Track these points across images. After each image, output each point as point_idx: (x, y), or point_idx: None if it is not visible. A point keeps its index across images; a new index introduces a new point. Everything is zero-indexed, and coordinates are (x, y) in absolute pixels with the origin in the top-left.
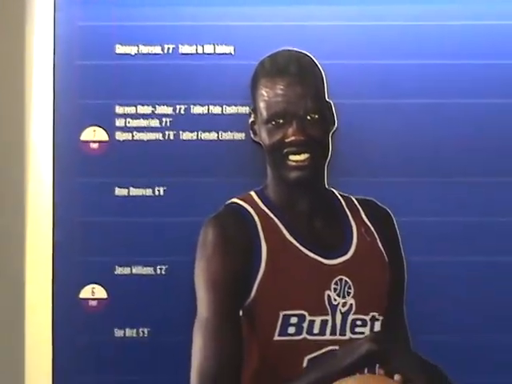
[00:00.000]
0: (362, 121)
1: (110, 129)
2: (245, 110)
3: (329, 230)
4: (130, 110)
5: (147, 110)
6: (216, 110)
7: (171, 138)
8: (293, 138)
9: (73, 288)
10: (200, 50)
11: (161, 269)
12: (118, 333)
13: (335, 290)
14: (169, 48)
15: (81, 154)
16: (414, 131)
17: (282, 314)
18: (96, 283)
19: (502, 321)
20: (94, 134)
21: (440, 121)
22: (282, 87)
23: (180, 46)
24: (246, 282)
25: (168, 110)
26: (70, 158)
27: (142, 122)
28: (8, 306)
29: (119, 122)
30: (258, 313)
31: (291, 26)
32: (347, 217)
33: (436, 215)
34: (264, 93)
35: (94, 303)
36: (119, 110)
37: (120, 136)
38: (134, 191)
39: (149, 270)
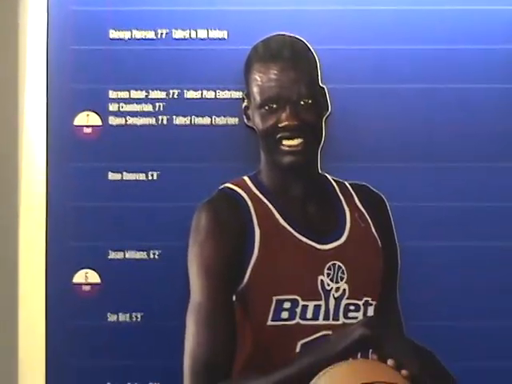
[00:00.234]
0: (355, 106)
1: (104, 113)
2: (238, 94)
3: (322, 215)
4: (124, 94)
5: (140, 94)
6: (209, 94)
7: (164, 122)
8: (286, 122)
9: (66, 273)
10: (193, 35)
11: (154, 253)
12: (112, 317)
13: (328, 275)
14: (162, 33)
15: (74, 139)
16: (408, 116)
17: (275, 298)
18: (89, 268)
19: (495, 306)
20: (87, 119)
21: (434, 106)
22: (275, 72)
23: (173, 30)
24: (239, 267)
25: (161, 95)
26: (63, 142)
27: (136, 107)
28: (1, 292)
29: (112, 107)
30: (252, 298)
31: (285, 11)
32: (340, 202)
33: (430, 200)
34: (257, 78)
35: (87, 288)
36: (112, 94)
37: (113, 121)
38: (127, 176)
39: (142, 255)
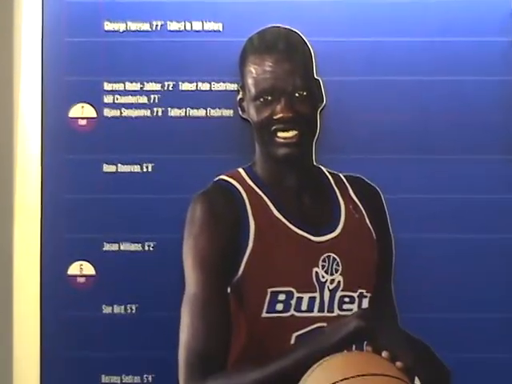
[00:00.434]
0: (350, 98)
1: (99, 105)
2: (233, 86)
3: (317, 207)
4: (119, 86)
5: (135, 86)
6: (204, 86)
7: (159, 114)
8: (281, 114)
9: (61, 265)
10: (188, 27)
11: (149, 245)
12: (106, 309)
13: (323, 267)
14: (157, 25)
15: (69, 131)
16: (403, 108)
17: (269, 290)
18: (84, 260)
19: (489, 298)
20: (82, 111)
21: (429, 98)
22: (270, 64)
23: (168, 22)
24: (234, 258)
25: (156, 87)
26: (58, 134)
27: (131, 99)
28: None
29: (107, 99)
30: (246, 289)
31: (280, 3)
32: (335, 194)
33: (424, 192)
34: (252, 70)
35: (82, 280)
36: (107, 86)
37: (108, 113)
38: (122, 168)
39: (137, 247)
